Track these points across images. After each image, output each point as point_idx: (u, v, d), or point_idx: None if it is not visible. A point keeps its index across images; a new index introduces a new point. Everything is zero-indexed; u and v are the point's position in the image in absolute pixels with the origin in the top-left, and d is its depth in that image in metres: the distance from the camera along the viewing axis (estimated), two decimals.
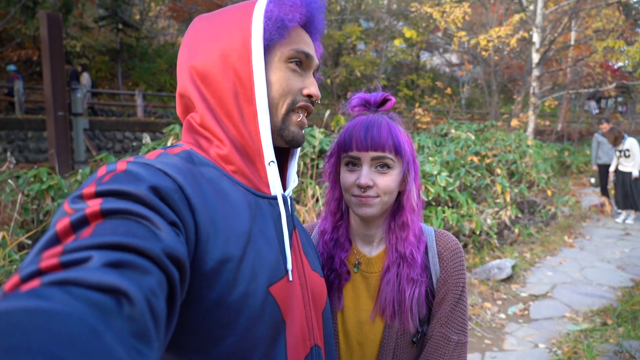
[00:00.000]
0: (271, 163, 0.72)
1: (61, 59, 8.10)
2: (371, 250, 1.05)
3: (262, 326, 0.63)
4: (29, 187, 3.81)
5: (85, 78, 13.42)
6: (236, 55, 0.70)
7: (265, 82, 0.71)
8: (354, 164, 0.98)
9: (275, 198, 0.73)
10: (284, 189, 0.81)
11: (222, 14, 0.74)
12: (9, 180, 3.89)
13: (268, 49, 0.72)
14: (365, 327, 1.00)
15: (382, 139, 0.95)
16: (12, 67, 12.55)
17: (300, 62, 0.75)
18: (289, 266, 0.70)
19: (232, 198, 0.66)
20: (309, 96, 0.76)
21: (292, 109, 0.75)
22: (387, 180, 0.96)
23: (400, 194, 1.03)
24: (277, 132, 0.74)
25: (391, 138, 0.95)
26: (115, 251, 0.43)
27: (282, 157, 0.86)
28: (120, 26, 16.27)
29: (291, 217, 0.78)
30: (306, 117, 0.79)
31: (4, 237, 2.75)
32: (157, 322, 0.42)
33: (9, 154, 4.80)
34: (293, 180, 0.81)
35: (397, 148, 0.96)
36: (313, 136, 4.62)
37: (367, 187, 0.95)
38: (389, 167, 0.96)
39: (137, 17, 18.18)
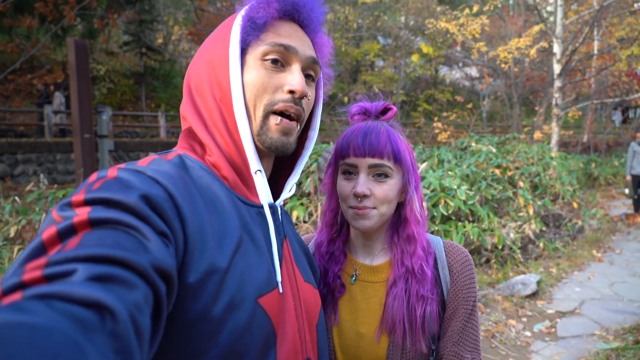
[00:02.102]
0: (257, 172, 0.70)
1: (88, 84, 8.38)
2: (372, 260, 1.01)
3: (250, 338, 0.60)
4: None
5: (57, 98, 11.90)
6: (218, 64, 0.69)
7: (242, 86, 0.68)
8: (351, 172, 0.93)
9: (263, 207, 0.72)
10: (279, 196, 0.78)
11: (214, 30, 0.75)
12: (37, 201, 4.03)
13: (245, 51, 0.70)
14: (364, 342, 0.95)
15: (381, 145, 0.90)
16: None
17: (281, 57, 0.70)
18: (278, 278, 0.67)
19: (222, 206, 0.64)
20: (292, 92, 0.69)
21: (271, 111, 0.69)
22: (385, 190, 0.91)
23: (400, 205, 0.99)
24: (256, 139, 0.70)
25: (390, 145, 0.91)
26: (101, 264, 0.42)
27: (288, 164, 0.84)
28: (144, 50, 16.83)
29: (281, 227, 0.75)
30: (295, 120, 0.72)
31: None
32: (141, 339, 0.41)
33: (41, 175, 5.03)
34: (289, 190, 0.78)
35: (396, 155, 0.91)
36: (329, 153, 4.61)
37: (363, 197, 0.91)
38: (387, 175, 0.92)
39: (160, 40, 18.79)
